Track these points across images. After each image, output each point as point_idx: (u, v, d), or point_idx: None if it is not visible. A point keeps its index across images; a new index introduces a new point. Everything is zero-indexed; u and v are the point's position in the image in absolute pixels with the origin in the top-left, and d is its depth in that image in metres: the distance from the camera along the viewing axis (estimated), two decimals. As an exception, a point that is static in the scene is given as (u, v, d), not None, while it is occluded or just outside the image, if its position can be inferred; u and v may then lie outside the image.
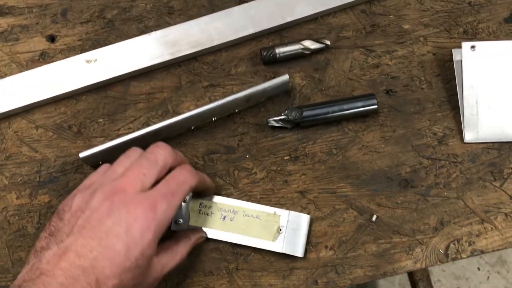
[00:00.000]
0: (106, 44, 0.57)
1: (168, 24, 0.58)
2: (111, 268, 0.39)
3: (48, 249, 0.39)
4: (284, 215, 0.52)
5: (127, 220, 0.40)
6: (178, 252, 0.47)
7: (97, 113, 0.56)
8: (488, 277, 1.38)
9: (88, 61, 0.55)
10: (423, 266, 0.52)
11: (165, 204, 0.42)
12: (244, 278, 0.51)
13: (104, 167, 0.47)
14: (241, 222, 0.52)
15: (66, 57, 0.57)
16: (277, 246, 0.51)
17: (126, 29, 0.58)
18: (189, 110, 0.51)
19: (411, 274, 1.16)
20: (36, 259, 0.39)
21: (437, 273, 1.39)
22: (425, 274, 1.17)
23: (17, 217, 0.53)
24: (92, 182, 0.45)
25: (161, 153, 0.45)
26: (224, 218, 0.52)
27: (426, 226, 0.53)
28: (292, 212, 0.52)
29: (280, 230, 0.51)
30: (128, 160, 0.45)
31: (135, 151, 0.46)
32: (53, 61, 0.57)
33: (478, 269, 1.40)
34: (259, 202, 0.54)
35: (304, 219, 0.52)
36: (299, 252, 0.51)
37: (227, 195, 0.54)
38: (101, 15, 0.59)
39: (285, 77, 0.53)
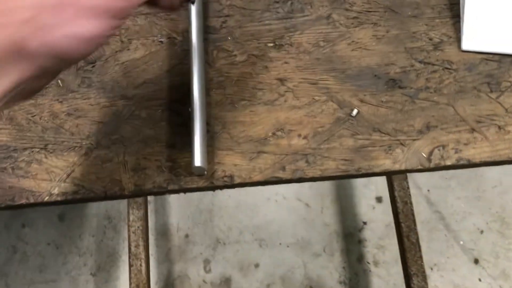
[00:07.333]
0: None
1: None
2: None
3: None
4: None
5: None
6: None
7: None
8: (489, 291, 1.30)
9: None
10: (403, 167, 0.48)
11: None
12: (208, 155, 0.48)
13: None
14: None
15: None
16: None
17: None
18: None
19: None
20: None
21: (435, 278, 1.32)
22: (421, 270, 1.11)
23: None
24: None
25: None
26: None
27: (410, 127, 0.49)
28: None
29: None
30: None
31: None
32: None
33: (480, 280, 1.32)
34: (235, 84, 0.51)
35: None
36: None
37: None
38: None
39: None
